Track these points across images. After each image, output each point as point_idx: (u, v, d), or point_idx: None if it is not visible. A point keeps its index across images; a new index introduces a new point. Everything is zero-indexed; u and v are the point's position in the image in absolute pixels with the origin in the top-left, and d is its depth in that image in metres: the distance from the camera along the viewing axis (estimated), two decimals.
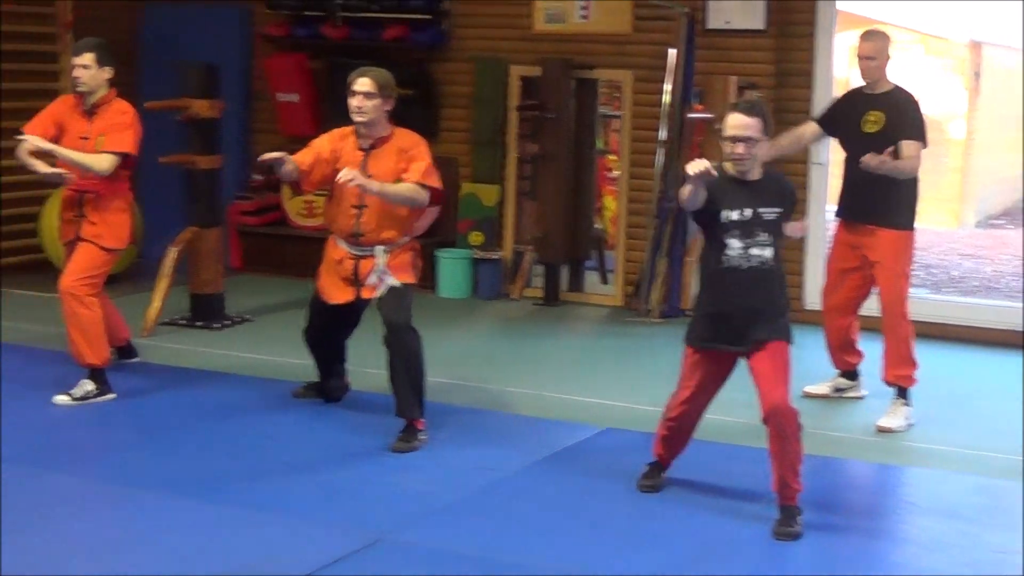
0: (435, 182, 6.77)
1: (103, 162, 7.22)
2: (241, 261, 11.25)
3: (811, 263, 9.70)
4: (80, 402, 7.22)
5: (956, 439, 7.05)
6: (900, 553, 5.69)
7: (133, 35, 11.90)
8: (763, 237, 5.64)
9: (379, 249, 6.78)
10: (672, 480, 6.15)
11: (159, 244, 9.47)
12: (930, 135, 7.34)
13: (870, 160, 6.96)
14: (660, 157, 9.95)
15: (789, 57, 9.79)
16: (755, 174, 5.71)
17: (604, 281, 10.73)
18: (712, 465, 6.41)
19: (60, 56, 10.81)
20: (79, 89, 7.33)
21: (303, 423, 7.07)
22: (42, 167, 7.22)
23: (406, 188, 6.69)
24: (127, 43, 11.62)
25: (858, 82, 7.43)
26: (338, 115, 7.48)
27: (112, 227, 7.39)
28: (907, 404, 7.26)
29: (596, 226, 10.95)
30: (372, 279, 6.77)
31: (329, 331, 7.18)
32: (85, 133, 7.29)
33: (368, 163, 6.74)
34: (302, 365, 7.49)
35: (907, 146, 7.09)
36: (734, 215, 5.64)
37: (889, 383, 7.31)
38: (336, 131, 6.94)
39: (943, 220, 16.57)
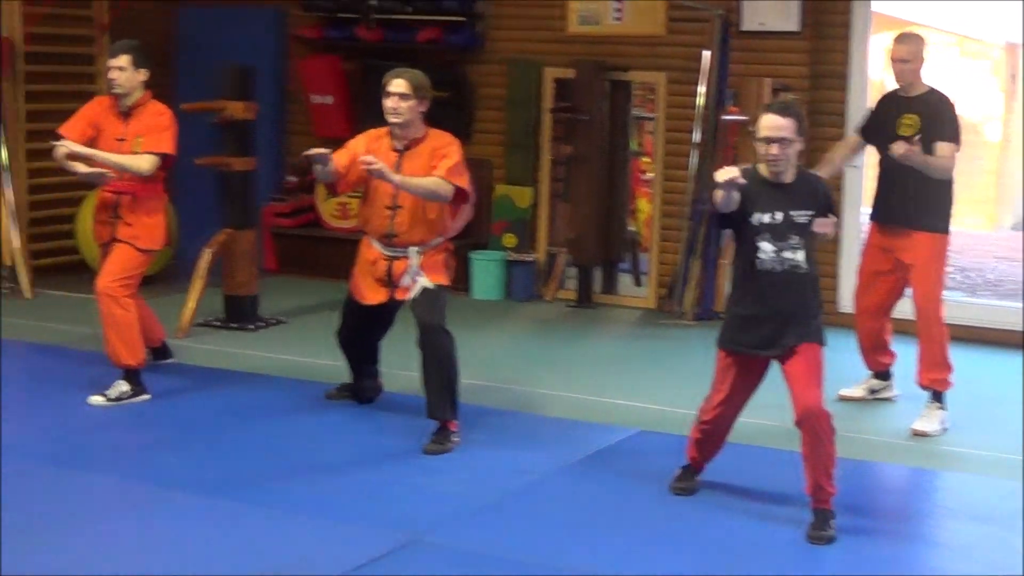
0: (460, 180, 6.75)
1: (144, 163, 7.27)
2: (275, 263, 11.28)
3: (845, 265, 9.67)
4: (115, 403, 7.26)
5: (991, 443, 7.01)
6: (933, 557, 5.67)
7: (168, 37, 11.95)
8: (795, 240, 5.62)
9: (412, 250, 6.79)
10: (705, 483, 6.14)
11: (194, 246, 9.51)
12: (966, 137, 7.31)
13: (897, 148, 6.93)
14: (694, 159, 9.94)
15: (824, 59, 9.76)
16: (788, 176, 5.69)
17: (637, 283, 10.71)
18: (745, 468, 6.40)
19: (96, 58, 10.87)
20: (115, 91, 7.37)
21: (336, 424, 7.09)
22: (81, 168, 7.26)
23: (428, 181, 6.68)
24: (162, 45, 11.67)
25: (892, 84, 7.40)
26: (372, 117, 7.49)
27: (148, 228, 7.43)
28: (942, 408, 7.23)
29: (629, 228, 10.93)
30: (406, 280, 6.79)
31: (362, 332, 7.20)
32: (121, 135, 7.32)
33: (402, 164, 6.75)
34: (335, 367, 7.51)
35: (941, 147, 7.07)
36: (765, 218, 5.62)
37: (924, 387, 7.29)
38: (371, 132, 6.95)
39: (978, 223, 16.48)
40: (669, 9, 10.22)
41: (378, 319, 7.11)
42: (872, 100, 9.28)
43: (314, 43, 11.43)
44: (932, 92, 7.25)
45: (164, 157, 7.33)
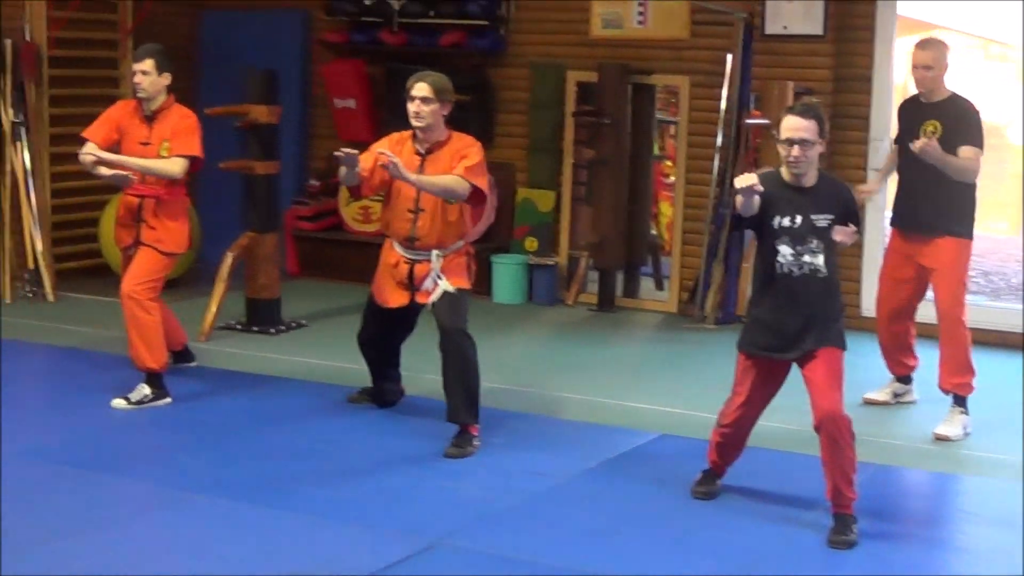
0: (479, 180, 6.73)
1: (175, 166, 7.31)
2: (298, 266, 11.29)
3: (868, 269, 9.63)
4: (137, 406, 7.27)
5: (1014, 448, 6.97)
6: (956, 562, 5.65)
7: (192, 41, 11.99)
8: (815, 244, 5.61)
9: (434, 254, 6.79)
10: (727, 487, 6.13)
11: (217, 249, 9.52)
12: (989, 141, 7.28)
13: (917, 143, 6.89)
14: (717, 163, 9.92)
15: (847, 62, 9.73)
16: (810, 179, 5.68)
17: (659, 287, 10.70)
18: (767, 472, 6.39)
19: (120, 62, 10.90)
20: (139, 95, 7.40)
21: (358, 428, 7.09)
22: (105, 171, 7.29)
23: (445, 178, 6.67)
24: (186, 49, 11.71)
25: (915, 89, 7.37)
26: (395, 121, 7.51)
27: (171, 232, 7.45)
28: (965, 412, 7.20)
29: (652, 232, 10.92)
30: (427, 284, 6.79)
31: (384, 335, 7.20)
32: (145, 139, 7.36)
33: (425, 167, 6.75)
34: (357, 370, 7.51)
35: (964, 150, 7.04)
36: (785, 221, 5.61)
37: (946, 391, 7.26)
38: (394, 135, 6.96)
39: (1002, 227, 16.40)
40: (692, 12, 10.20)
41: (400, 322, 7.11)
42: (895, 103, 9.26)
43: (338, 47, 11.45)
44: (954, 98, 7.22)
45: (193, 160, 7.37)
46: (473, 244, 7.11)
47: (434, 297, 6.77)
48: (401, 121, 6.93)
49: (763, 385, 5.83)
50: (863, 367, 7.80)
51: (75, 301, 10.07)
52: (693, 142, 10.28)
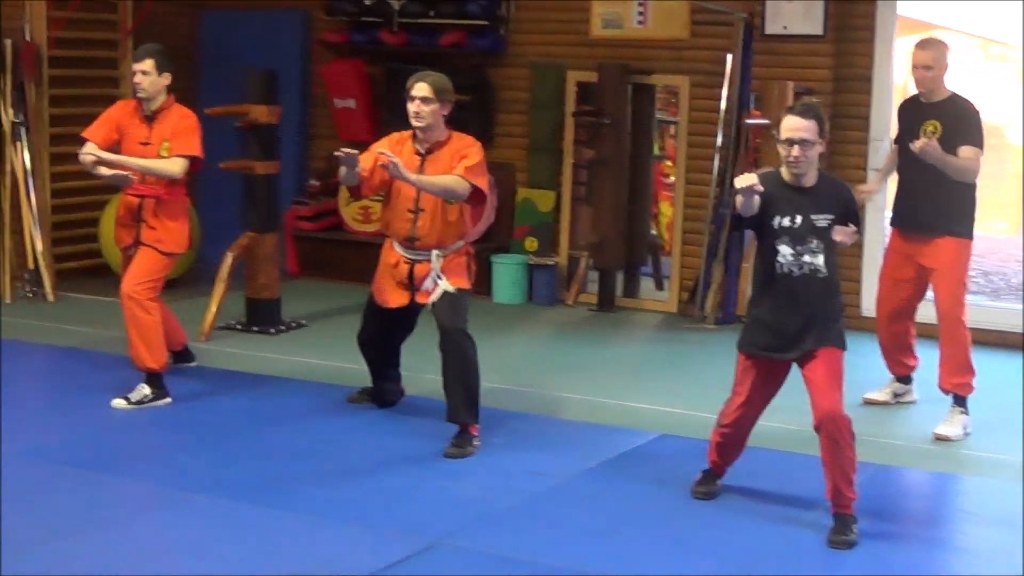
0: (478, 180, 6.73)
1: (175, 166, 7.32)
2: (298, 266, 11.29)
3: (868, 270, 9.63)
4: (137, 406, 7.27)
5: (1014, 447, 6.97)
6: (956, 562, 5.66)
7: (192, 41, 11.99)
8: (815, 244, 5.61)
9: (434, 254, 6.79)
10: (727, 487, 6.13)
11: (217, 249, 9.52)
12: (990, 141, 7.28)
13: (917, 143, 6.89)
14: (717, 163, 9.92)
15: (848, 62, 9.73)
16: (810, 179, 5.68)
17: (659, 287, 10.70)
18: (767, 472, 6.39)
19: (120, 62, 10.90)
20: (139, 95, 7.40)
21: (358, 428, 7.09)
22: (105, 170, 7.30)
23: (445, 178, 6.67)
24: (186, 49, 11.71)
25: (915, 89, 7.37)
26: (395, 121, 7.51)
27: (171, 232, 7.45)
28: (965, 412, 7.21)
29: (652, 232, 10.92)
30: (427, 284, 6.79)
31: (384, 335, 7.20)
32: (146, 138, 7.36)
33: (425, 167, 6.75)
34: (357, 370, 7.51)
35: (964, 150, 7.04)
36: (785, 221, 5.62)
37: (946, 391, 7.26)
38: (394, 135, 6.96)
39: (1002, 227, 16.40)
40: (692, 12, 10.20)
41: (400, 322, 7.11)
42: (895, 103, 9.26)
43: (338, 47, 11.45)
44: (954, 98, 7.22)
45: (193, 160, 7.37)
46: (473, 244, 7.11)
47: (434, 297, 6.77)
48: (401, 121, 6.93)
49: (763, 385, 5.83)
50: (863, 367, 7.80)
51: (75, 301, 10.08)
52: (693, 142, 10.28)
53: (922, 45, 7.24)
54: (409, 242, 6.83)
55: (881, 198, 9.09)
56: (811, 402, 5.60)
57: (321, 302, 10.17)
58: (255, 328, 9.20)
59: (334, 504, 5.90)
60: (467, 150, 6.78)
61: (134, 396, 7.30)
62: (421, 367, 7.47)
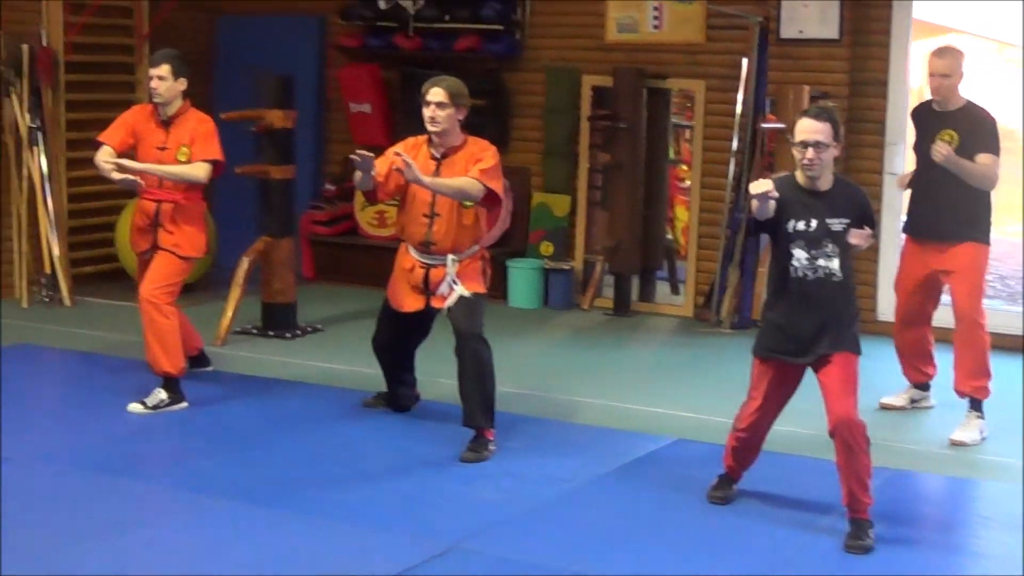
0: (493, 183, 6.73)
1: (200, 171, 7.35)
2: (313, 271, 11.31)
3: (884, 274, 9.61)
4: (153, 410, 7.29)
5: None
6: (974, 567, 5.64)
7: (208, 46, 12.02)
8: (830, 248, 5.61)
9: (450, 258, 6.79)
10: (743, 492, 6.12)
11: (232, 254, 9.54)
12: (1005, 144, 7.27)
13: (940, 150, 6.87)
14: (732, 167, 9.92)
15: (863, 66, 9.71)
16: (825, 183, 5.67)
17: (675, 292, 10.69)
18: (784, 477, 6.38)
19: (137, 67, 10.92)
20: (155, 100, 7.42)
21: (373, 432, 7.10)
22: (117, 175, 7.31)
23: (459, 180, 6.68)
24: (202, 54, 11.74)
25: (930, 94, 7.35)
26: (411, 125, 7.51)
27: (189, 236, 7.47)
28: (981, 417, 7.19)
29: (667, 236, 10.92)
30: (443, 288, 6.79)
31: (398, 340, 7.20)
32: (162, 143, 7.38)
33: (440, 171, 6.76)
34: (373, 375, 7.52)
35: (981, 157, 7.02)
36: (800, 225, 5.61)
37: (964, 394, 7.24)
38: (409, 140, 6.96)
39: (1019, 230, 16.33)
40: (708, 17, 10.20)
41: (415, 327, 7.12)
42: (911, 107, 9.25)
43: (353, 51, 11.46)
44: (970, 106, 7.19)
45: (215, 164, 7.40)
46: (488, 248, 7.11)
47: (450, 302, 6.78)
48: (416, 125, 6.94)
49: (778, 389, 5.82)
50: (879, 371, 7.79)
51: (92, 305, 10.10)
52: (708, 146, 10.28)
53: (939, 53, 7.21)
54: (424, 246, 6.83)
55: (897, 203, 9.08)
56: (826, 407, 5.59)
57: (336, 306, 10.19)
58: (271, 332, 9.21)
59: (350, 508, 5.90)
60: (482, 154, 6.78)
61: (150, 400, 7.31)
62: (436, 372, 7.48)
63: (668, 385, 8.28)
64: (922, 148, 7.20)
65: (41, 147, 10.10)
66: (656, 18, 10.42)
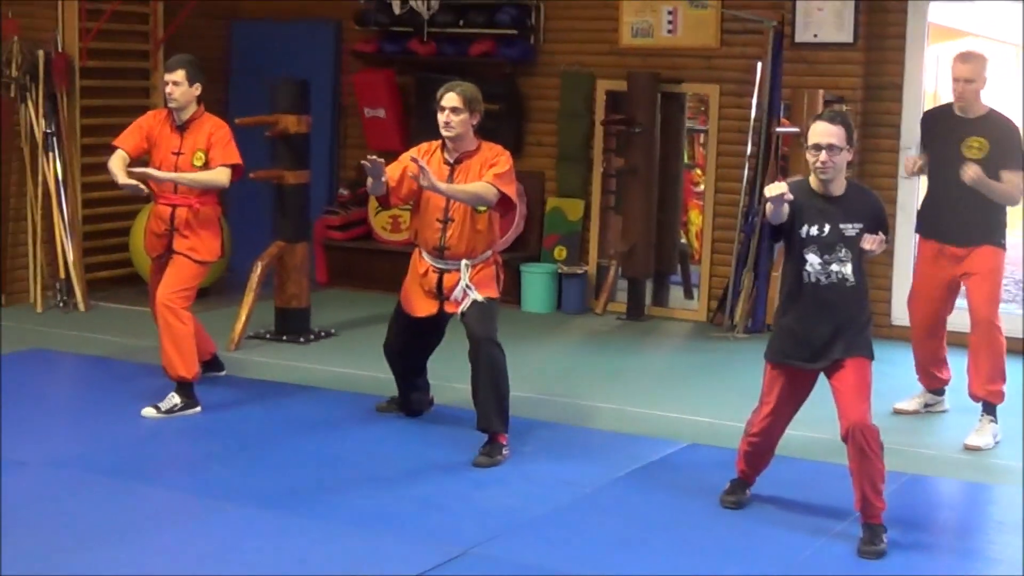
0: (507, 187, 6.74)
1: (222, 176, 7.38)
2: (327, 275, 11.32)
3: (899, 278, 9.60)
4: (167, 415, 7.30)
5: None
6: (988, 572, 5.61)
7: (224, 52, 12.04)
8: (843, 253, 5.60)
9: (463, 263, 6.79)
10: (756, 496, 6.11)
11: (247, 258, 9.55)
12: None
13: (970, 172, 6.85)
14: (746, 171, 9.91)
15: (878, 70, 9.70)
16: (838, 188, 5.66)
17: (688, 296, 10.69)
18: (797, 482, 6.37)
19: (152, 73, 10.95)
20: (171, 105, 7.43)
21: (387, 437, 7.10)
22: (122, 180, 7.32)
23: (474, 185, 6.69)
24: (217, 59, 11.76)
25: (946, 96, 7.32)
26: (425, 130, 7.51)
27: (204, 240, 7.48)
28: (994, 421, 7.17)
29: (681, 240, 10.91)
30: (457, 293, 6.79)
31: (410, 344, 7.19)
32: (177, 148, 7.40)
33: (454, 176, 6.77)
34: (386, 379, 7.51)
35: (1008, 176, 7.03)
36: (813, 230, 5.60)
37: (979, 398, 7.21)
38: (423, 145, 6.97)
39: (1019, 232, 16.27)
40: (722, 21, 10.19)
41: (427, 332, 7.11)
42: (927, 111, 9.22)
43: (368, 57, 11.48)
44: (993, 114, 7.17)
45: (234, 167, 7.41)
46: (502, 253, 7.11)
47: (463, 307, 6.78)
48: (431, 130, 6.95)
49: (791, 395, 5.81)
50: (893, 376, 7.78)
51: (106, 310, 10.12)
52: (723, 150, 10.27)
53: (963, 58, 7.17)
54: (438, 251, 6.83)
55: (912, 207, 9.05)
56: (838, 412, 5.58)
57: (350, 311, 10.19)
58: (285, 337, 9.22)
59: (364, 513, 5.90)
60: (496, 159, 6.79)
61: (164, 405, 7.33)
62: (450, 376, 7.48)
63: (681, 389, 8.27)
64: (944, 153, 7.16)
65: (56, 153, 10.13)
66: (671, 22, 10.42)
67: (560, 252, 10.73)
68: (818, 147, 5.58)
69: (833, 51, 9.74)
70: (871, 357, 5.66)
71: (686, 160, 10.96)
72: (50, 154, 10.11)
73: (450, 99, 6.72)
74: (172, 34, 10.96)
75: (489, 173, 6.70)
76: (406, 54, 11.20)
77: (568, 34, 10.81)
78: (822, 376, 5.73)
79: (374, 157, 6.64)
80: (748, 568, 5.41)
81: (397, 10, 11.08)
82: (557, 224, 10.79)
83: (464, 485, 6.32)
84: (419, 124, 10.75)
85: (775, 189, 5.46)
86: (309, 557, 5.39)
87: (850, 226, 5.61)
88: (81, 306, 10.09)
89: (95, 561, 5.25)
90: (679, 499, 6.18)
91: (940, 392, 7.69)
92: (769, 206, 5.52)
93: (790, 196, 5.46)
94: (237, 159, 7.44)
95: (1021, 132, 7.23)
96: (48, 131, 10.09)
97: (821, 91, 9.52)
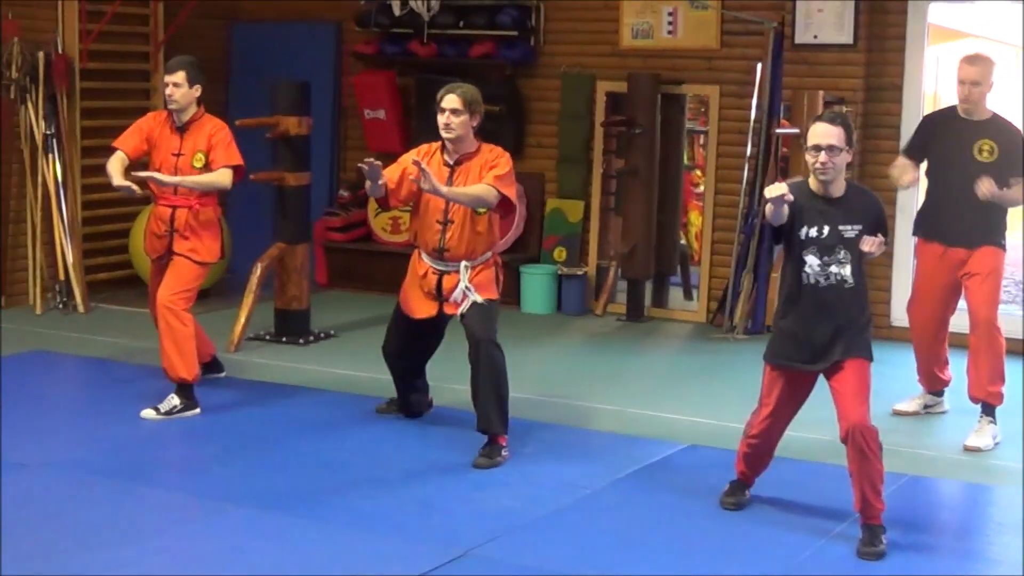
0: (507, 189, 6.75)
1: (225, 178, 7.39)
2: (327, 277, 11.32)
3: (898, 279, 9.60)
4: (166, 416, 7.29)
5: None
6: (988, 573, 5.61)
7: (224, 53, 12.04)
8: (842, 255, 5.60)
9: (463, 265, 6.79)
10: (756, 498, 6.12)
11: (247, 260, 9.55)
12: None
13: (986, 188, 6.87)
14: (746, 173, 9.91)
15: (878, 71, 9.70)
16: (838, 189, 5.66)
17: (688, 297, 10.69)
18: (796, 483, 6.37)
19: (152, 74, 10.95)
20: (171, 107, 7.43)
21: (387, 438, 7.10)
22: (116, 181, 7.32)
23: (475, 187, 6.69)
24: (218, 61, 11.76)
25: (947, 97, 7.32)
26: (425, 131, 7.51)
27: (204, 241, 7.49)
28: (993, 422, 7.17)
29: (681, 242, 10.91)
30: (456, 295, 6.79)
31: (409, 346, 7.19)
32: (177, 149, 7.40)
33: (454, 178, 6.77)
34: (386, 381, 7.51)
35: (1016, 183, 7.06)
36: (812, 232, 5.60)
37: (978, 399, 7.21)
38: (423, 147, 6.97)
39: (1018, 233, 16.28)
40: (723, 22, 10.19)
41: (426, 333, 7.11)
42: (926, 112, 9.21)
43: (369, 58, 11.47)
44: (997, 118, 7.19)
45: (236, 168, 7.42)
46: (502, 254, 7.11)
47: (463, 308, 6.78)
48: (431, 132, 6.95)
49: (790, 397, 5.81)
50: (892, 377, 7.78)
51: (106, 312, 10.12)
52: (723, 152, 10.28)
53: (971, 60, 7.17)
54: (438, 253, 6.83)
55: (911, 208, 9.05)
56: (838, 413, 5.58)
57: (351, 313, 10.20)
58: (285, 339, 9.22)
59: (365, 514, 5.90)
60: (496, 160, 6.79)
61: (164, 406, 7.33)
62: (450, 377, 7.48)
63: (681, 391, 8.27)
64: (948, 155, 7.16)
65: (56, 154, 10.13)
66: (671, 24, 10.42)
67: (560, 253, 10.73)
68: (818, 148, 5.58)
69: (833, 52, 9.74)
70: (870, 358, 5.67)
71: (686, 161, 10.96)
72: (50, 156, 10.11)
73: (450, 101, 6.72)
74: (172, 35, 10.96)
75: (490, 175, 6.70)
76: (406, 55, 11.20)
77: (568, 35, 10.81)
78: (821, 377, 5.73)
79: (371, 160, 6.64)
80: (748, 569, 5.41)
81: (397, 11, 11.08)
82: (557, 225, 10.80)
83: (464, 486, 6.32)
84: (419, 125, 10.75)
85: (775, 190, 5.46)
86: (309, 558, 5.39)
87: (849, 228, 5.61)
88: (81, 308, 10.09)
89: (95, 562, 5.25)
90: (679, 500, 6.18)
91: (940, 393, 7.70)
92: (769, 207, 5.52)
93: (790, 197, 5.46)
94: (239, 160, 7.45)
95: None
96: (48, 133, 10.10)
97: (821, 92, 9.52)
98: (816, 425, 6.57)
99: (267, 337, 9.24)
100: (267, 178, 9.20)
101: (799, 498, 6.19)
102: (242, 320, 9.01)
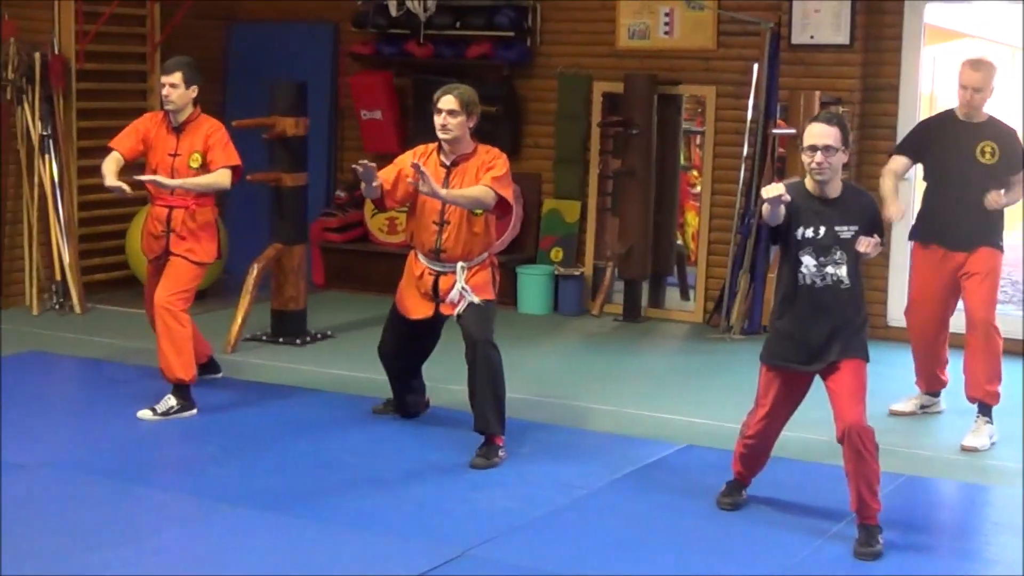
0: (504, 190, 6.75)
1: (224, 179, 7.40)
2: (323, 277, 11.32)
3: (895, 280, 9.60)
4: (163, 417, 7.29)
5: None
6: (985, 573, 5.61)
7: (221, 53, 12.04)
8: (838, 255, 5.60)
9: (459, 266, 6.79)
10: (753, 498, 6.12)
11: (243, 261, 9.55)
12: None
13: (995, 200, 6.99)
14: (743, 173, 9.91)
15: (875, 72, 9.70)
16: (834, 189, 5.66)
17: (685, 297, 10.69)
18: (793, 483, 6.37)
19: (149, 75, 10.95)
20: (167, 107, 7.43)
21: (384, 439, 7.10)
22: (109, 180, 7.31)
23: (473, 189, 6.69)
24: (215, 61, 11.76)
25: (944, 97, 7.32)
26: (422, 132, 7.51)
27: (201, 241, 7.49)
28: (990, 422, 7.18)
29: (678, 242, 10.91)
30: (453, 296, 6.79)
31: (405, 346, 7.18)
32: (173, 150, 7.40)
33: (451, 179, 6.77)
34: (383, 381, 7.51)
35: (1015, 179, 7.11)
36: (808, 233, 5.61)
37: (976, 399, 7.21)
38: (419, 147, 6.97)
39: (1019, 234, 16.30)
40: (719, 23, 10.19)
41: (423, 334, 7.11)
42: (923, 112, 9.23)
43: (366, 59, 11.47)
44: (994, 119, 7.23)
45: (234, 169, 7.42)
46: (499, 255, 7.11)
47: (459, 309, 6.78)
48: (428, 132, 6.95)
49: (786, 397, 5.81)
50: (888, 377, 7.79)
51: (102, 313, 10.12)
52: (719, 152, 10.28)
53: (974, 66, 7.17)
54: (435, 254, 6.83)
55: (910, 208, 9.04)
56: (834, 413, 5.58)
57: (347, 313, 10.19)
58: (281, 339, 9.22)
59: (362, 514, 5.91)
60: (493, 162, 6.79)
61: (160, 407, 7.32)
62: (446, 378, 7.48)
63: (678, 391, 8.27)
64: (948, 158, 7.17)
65: (52, 155, 10.12)
66: (667, 24, 10.42)
67: (557, 253, 10.73)
68: (814, 148, 5.58)
69: (830, 52, 9.74)
70: (867, 359, 5.67)
71: (683, 161, 10.96)
72: (46, 156, 10.11)
73: (447, 101, 6.72)
74: (169, 36, 10.95)
75: (487, 176, 6.71)
76: (403, 56, 11.20)
77: (565, 36, 10.81)
78: (818, 378, 5.74)
79: (365, 161, 6.65)
80: (744, 569, 5.42)
81: (394, 12, 11.07)
82: (554, 226, 10.80)
83: (461, 487, 6.32)
84: (416, 126, 10.76)
85: (772, 190, 5.47)
86: (306, 558, 5.39)
87: (845, 228, 5.62)
88: (77, 308, 10.08)
89: (93, 562, 5.25)
90: (676, 501, 6.19)
91: (936, 393, 7.70)
92: (766, 207, 5.53)
93: (787, 197, 5.46)
94: (237, 160, 7.46)
95: (1020, 135, 7.26)
96: (44, 133, 10.09)
97: (818, 93, 9.52)
98: (812, 425, 6.57)
99: (264, 338, 9.24)
100: (264, 179, 9.20)
101: (796, 498, 6.20)
102: (239, 321, 9.01)
